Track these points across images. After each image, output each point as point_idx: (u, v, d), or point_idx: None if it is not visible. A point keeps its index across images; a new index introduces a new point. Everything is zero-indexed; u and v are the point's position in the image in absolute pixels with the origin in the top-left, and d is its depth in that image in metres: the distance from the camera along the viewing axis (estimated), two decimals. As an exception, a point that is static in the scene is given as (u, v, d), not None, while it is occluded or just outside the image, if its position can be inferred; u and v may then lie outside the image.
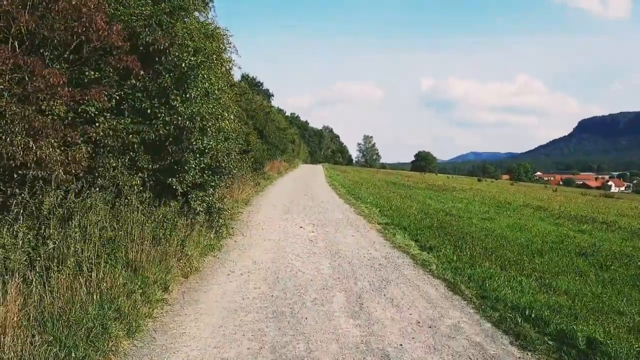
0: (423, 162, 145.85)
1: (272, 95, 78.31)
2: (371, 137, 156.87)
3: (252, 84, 68.71)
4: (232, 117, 11.29)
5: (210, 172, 10.06)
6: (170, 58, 9.35)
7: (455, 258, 9.14)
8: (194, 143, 9.46)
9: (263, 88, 76.78)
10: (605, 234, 14.61)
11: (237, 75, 34.55)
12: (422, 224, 13.20)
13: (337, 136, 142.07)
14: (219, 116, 10.41)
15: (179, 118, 9.05)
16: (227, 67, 13.48)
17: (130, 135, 8.77)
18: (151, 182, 9.19)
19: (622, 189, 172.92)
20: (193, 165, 9.46)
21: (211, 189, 10.20)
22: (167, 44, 9.19)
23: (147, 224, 7.83)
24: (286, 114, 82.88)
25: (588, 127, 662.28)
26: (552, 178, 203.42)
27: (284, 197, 19.58)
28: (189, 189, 9.68)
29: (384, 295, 7.02)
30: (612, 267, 9.45)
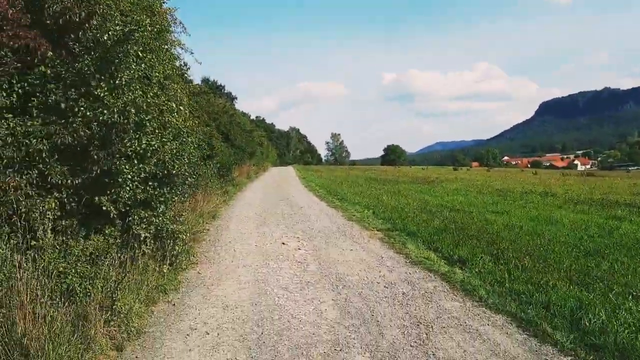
0: (392, 155, 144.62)
1: (235, 98, 75.21)
2: (339, 134, 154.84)
3: (213, 87, 65.77)
4: (185, 111, 8.56)
5: (156, 184, 7.35)
6: (89, 34, 6.74)
7: (502, 274, 6.66)
8: (129, 145, 6.78)
9: (225, 91, 73.82)
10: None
11: (196, 79, 31.57)
12: (432, 225, 10.72)
13: (305, 136, 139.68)
14: (165, 108, 7.70)
15: (105, 112, 6.46)
16: (176, 54, 10.84)
17: (36, 141, 6.13)
18: (72, 204, 6.57)
19: (588, 166, 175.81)
20: (130, 176, 6.78)
21: (161, 206, 7.48)
22: (83, 14, 6.61)
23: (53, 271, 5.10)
24: (251, 118, 79.86)
25: (549, 109, 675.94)
26: (519, 162, 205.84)
27: (258, 205, 16.86)
28: (128, 208, 7.00)
29: (434, 355, 4.46)
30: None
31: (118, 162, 6.66)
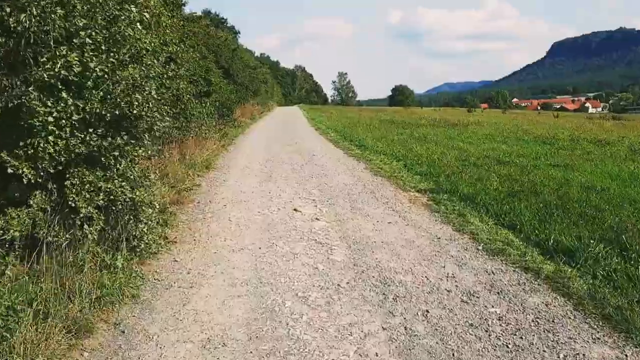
0: (401, 96, 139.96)
1: (239, 33, 70.76)
2: (346, 74, 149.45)
3: (215, 20, 61.46)
4: (148, 18, 5.76)
5: (106, 131, 4.77)
6: None
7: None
8: (49, 66, 4.13)
9: (228, 25, 69.32)
10: None
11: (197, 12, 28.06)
12: (490, 187, 8.15)
13: (311, 75, 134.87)
14: (118, 15, 4.97)
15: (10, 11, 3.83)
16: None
17: None
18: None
19: (599, 109, 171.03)
20: (52, 117, 4.18)
21: (115, 163, 4.92)
22: None
23: None
24: (255, 55, 75.60)
25: (561, 50, 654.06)
26: (529, 104, 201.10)
27: (263, 152, 14.23)
28: (61, 168, 4.49)
29: None
30: None
31: (31, 95, 4.05)
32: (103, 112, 4.60)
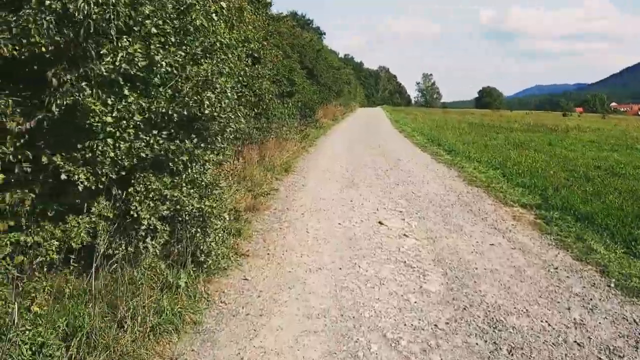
0: (488, 98, 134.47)
1: (324, 34, 70.70)
2: (431, 75, 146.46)
3: (300, 22, 61.70)
4: (225, 9, 5.20)
5: (179, 131, 4.29)
6: None
7: None
8: (108, 57, 3.67)
9: (313, 26, 69.45)
10: None
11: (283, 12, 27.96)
12: (611, 205, 6.91)
13: (394, 76, 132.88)
14: (192, 2, 4.43)
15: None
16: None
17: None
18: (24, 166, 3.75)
19: None
20: (111, 118, 3.70)
21: (184, 169, 4.41)
22: None
23: None
24: (339, 56, 75.21)
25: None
26: (628, 108, 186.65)
27: (344, 155, 13.54)
28: (125, 174, 4.06)
29: None
30: None
31: (86, 92, 3.58)
32: (170, 112, 4.08)
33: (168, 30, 4.06)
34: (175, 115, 4.11)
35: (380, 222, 6.65)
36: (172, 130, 4.26)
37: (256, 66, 10.47)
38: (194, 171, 4.55)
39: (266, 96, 10.33)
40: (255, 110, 10.31)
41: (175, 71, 4.11)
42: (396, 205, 7.62)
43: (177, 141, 4.22)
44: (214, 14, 4.72)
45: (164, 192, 4.20)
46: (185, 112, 4.15)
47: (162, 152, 4.13)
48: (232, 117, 4.75)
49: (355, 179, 9.72)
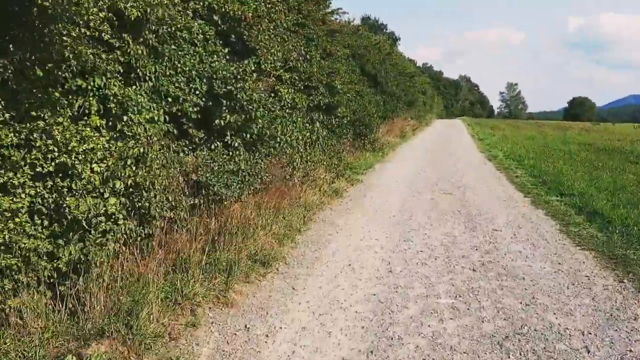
0: (578, 109, 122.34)
1: (398, 39, 65.27)
2: (516, 84, 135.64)
3: (374, 26, 56.80)
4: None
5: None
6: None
7: None
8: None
9: (387, 31, 64.32)
10: None
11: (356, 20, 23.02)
12: None
13: (476, 86, 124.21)
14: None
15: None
16: None
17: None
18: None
19: None
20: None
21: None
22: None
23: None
24: (417, 65, 69.29)
25: None
26: None
27: (395, 209, 8.38)
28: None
29: None
30: None
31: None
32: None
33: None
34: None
35: None
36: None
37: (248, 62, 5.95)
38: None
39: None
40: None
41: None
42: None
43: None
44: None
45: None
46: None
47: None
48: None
49: (414, 279, 4.68)
